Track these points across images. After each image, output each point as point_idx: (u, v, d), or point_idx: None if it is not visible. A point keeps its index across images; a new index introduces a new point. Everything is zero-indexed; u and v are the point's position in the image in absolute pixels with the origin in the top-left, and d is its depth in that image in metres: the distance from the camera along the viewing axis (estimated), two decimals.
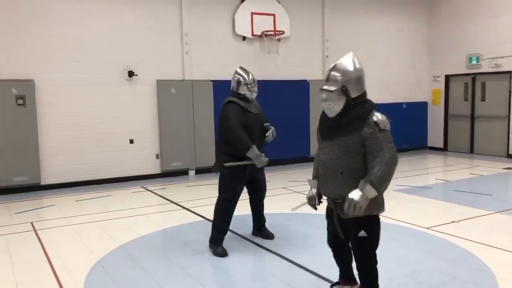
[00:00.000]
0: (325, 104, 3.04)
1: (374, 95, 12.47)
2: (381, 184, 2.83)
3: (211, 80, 9.78)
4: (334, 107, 3.01)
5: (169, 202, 7.37)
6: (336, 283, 3.60)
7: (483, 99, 12.06)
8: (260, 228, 5.38)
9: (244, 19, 10.24)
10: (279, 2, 10.66)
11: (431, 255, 4.67)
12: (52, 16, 8.46)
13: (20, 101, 8.15)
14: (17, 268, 4.57)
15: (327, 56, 11.48)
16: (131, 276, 4.29)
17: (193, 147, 9.79)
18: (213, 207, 5.02)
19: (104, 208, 7.07)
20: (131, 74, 9.14)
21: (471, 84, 12.26)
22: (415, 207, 6.70)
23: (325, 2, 11.39)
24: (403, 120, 12.36)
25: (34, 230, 5.92)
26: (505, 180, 9.09)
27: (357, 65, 3.07)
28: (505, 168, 9.88)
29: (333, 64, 3.10)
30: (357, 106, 2.98)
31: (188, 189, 8.43)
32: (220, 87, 9.31)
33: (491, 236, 5.23)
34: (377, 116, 2.94)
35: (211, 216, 5.17)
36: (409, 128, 12.48)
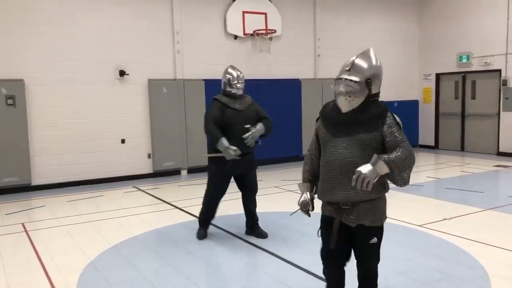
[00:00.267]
0: (345, 97, 2.71)
1: None
2: (396, 163, 2.64)
3: (203, 79, 9.74)
4: (353, 101, 2.72)
5: (162, 202, 7.34)
6: None
7: (473, 97, 12.16)
8: (252, 227, 5.38)
9: (236, 18, 10.22)
10: (270, 1, 10.66)
11: (424, 252, 4.69)
12: (42, 15, 8.38)
13: (10, 101, 8.07)
14: (8, 269, 4.52)
15: (318, 55, 11.50)
16: (124, 277, 4.26)
17: (185, 146, 9.76)
18: None
19: (96, 208, 7.03)
20: (122, 73, 9.08)
21: (461, 83, 12.35)
22: (407, 205, 6.73)
23: (317, 1, 11.41)
24: None
25: (25, 231, 5.86)
26: (495, 177, 9.17)
27: (379, 62, 2.86)
28: (496, 166, 9.97)
29: (355, 56, 2.80)
30: (374, 104, 2.77)
31: (181, 189, 8.40)
32: (212, 86, 9.28)
33: (483, 233, 5.27)
34: (394, 116, 2.82)
35: None
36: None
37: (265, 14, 10.39)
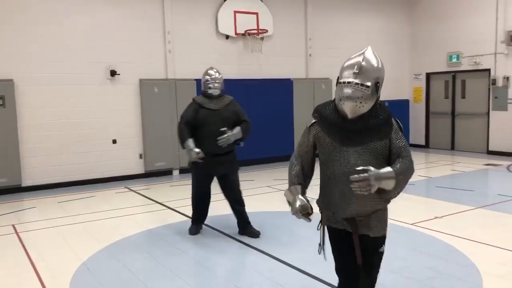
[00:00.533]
0: (354, 102, 2.43)
1: None
2: (399, 174, 2.45)
3: (195, 79, 9.71)
4: (363, 107, 2.45)
5: (154, 202, 7.31)
6: None
7: (463, 97, 12.26)
8: (244, 226, 5.38)
9: (227, 17, 10.21)
10: (262, 1, 10.66)
11: (416, 250, 4.72)
12: (31, 15, 8.30)
13: None
14: None
15: (310, 55, 11.53)
16: (117, 278, 4.24)
17: (177, 147, 9.69)
18: None
19: (87, 209, 6.98)
20: (113, 73, 9.03)
21: (451, 82, 12.45)
22: (399, 203, 6.70)
23: (308, 1, 11.43)
24: None
25: (16, 232, 5.80)
26: (485, 176, 9.25)
27: (382, 62, 2.61)
28: (485, 164, 10.06)
29: (360, 57, 2.51)
30: (381, 108, 2.56)
31: (172, 189, 8.38)
32: None
33: (474, 231, 5.32)
34: (397, 120, 2.65)
35: None
36: None
37: (256, 14, 10.39)
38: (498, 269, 4.20)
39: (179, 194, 7.82)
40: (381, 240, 2.67)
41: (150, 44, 9.49)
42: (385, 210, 2.68)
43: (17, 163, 8.19)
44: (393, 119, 2.61)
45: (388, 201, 2.65)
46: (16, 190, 8.21)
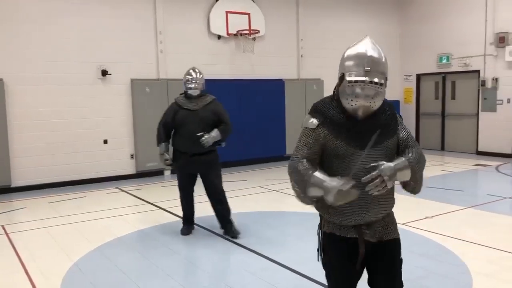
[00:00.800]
0: (369, 102, 2.22)
1: None
2: (416, 167, 2.29)
3: None
4: (376, 105, 2.26)
5: (145, 203, 7.29)
6: None
7: (453, 98, 12.37)
8: (224, 226, 5.40)
9: (219, 18, 10.21)
10: (253, 1, 10.67)
11: (407, 250, 4.71)
12: (22, 14, 8.24)
13: None
14: None
15: (301, 56, 11.56)
16: (109, 278, 4.23)
17: (169, 147, 9.68)
18: None
19: (78, 209, 6.94)
20: (104, 73, 8.99)
21: (441, 83, 12.56)
22: None
23: (299, 1, 11.47)
24: None
25: (6, 233, 5.76)
26: (475, 176, 9.35)
27: None
28: (475, 165, 10.17)
29: (363, 48, 2.34)
30: (384, 101, 2.37)
31: (164, 189, 8.36)
32: None
33: (464, 230, 5.37)
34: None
35: None
36: None
37: (248, 14, 10.40)
38: (487, 268, 4.25)
39: (170, 194, 7.79)
40: (399, 245, 2.47)
41: (142, 44, 9.46)
42: (393, 213, 2.50)
43: (6, 163, 8.13)
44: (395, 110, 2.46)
45: (416, 192, 2.45)
46: (5, 190, 8.14)
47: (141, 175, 9.52)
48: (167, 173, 9.75)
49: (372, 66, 2.25)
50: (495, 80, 11.21)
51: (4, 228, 5.98)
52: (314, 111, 2.37)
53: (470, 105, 11.89)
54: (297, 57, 11.58)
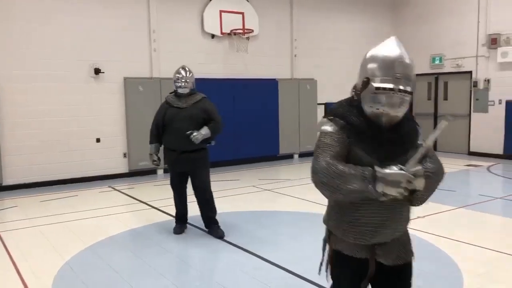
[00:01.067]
0: (396, 110, 2.04)
1: (341, 95, 12.58)
2: (431, 173, 2.09)
3: None
4: (401, 114, 2.08)
5: (138, 202, 7.27)
6: None
7: (445, 98, 12.45)
8: (209, 225, 5.40)
9: (213, 17, 10.20)
10: (247, 1, 10.67)
11: None
12: (15, 12, 8.18)
13: None
14: None
15: (295, 55, 11.58)
16: (101, 278, 4.21)
17: (159, 147, 9.66)
18: None
19: (70, 208, 6.90)
20: (97, 71, 8.95)
21: (434, 84, 12.63)
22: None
23: (293, 1, 11.48)
24: None
25: None
26: (467, 176, 9.41)
27: None
28: (467, 165, 10.24)
29: (393, 50, 2.12)
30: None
31: (157, 188, 8.33)
32: None
33: (455, 230, 5.41)
34: None
35: None
36: None
37: (242, 13, 10.40)
38: (478, 267, 4.28)
39: (163, 193, 7.77)
40: (412, 266, 2.32)
41: (135, 43, 9.42)
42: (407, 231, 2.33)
43: None
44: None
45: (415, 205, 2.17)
46: None
47: (134, 174, 9.48)
48: (160, 172, 9.72)
49: (403, 72, 2.03)
50: (487, 81, 11.30)
51: None
52: (333, 115, 2.13)
53: (462, 105, 11.97)
54: (291, 57, 11.59)
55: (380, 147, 2.05)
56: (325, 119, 2.15)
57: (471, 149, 11.74)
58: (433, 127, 12.68)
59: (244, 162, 10.64)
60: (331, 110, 2.17)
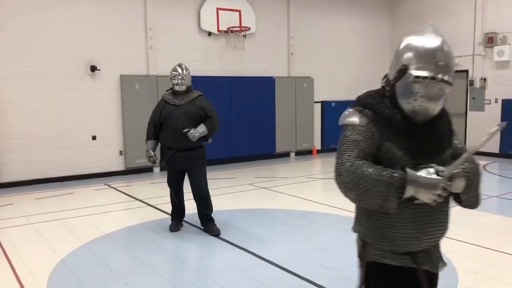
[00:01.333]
0: (435, 103, 1.84)
1: (338, 93, 12.65)
2: (471, 174, 1.92)
3: None
4: (439, 108, 1.89)
5: (134, 200, 7.26)
6: None
7: None
8: (204, 223, 5.40)
9: (210, 14, 10.18)
10: None
11: None
12: (9, 8, 8.14)
13: None
14: None
15: (292, 53, 11.57)
16: (97, 275, 4.20)
17: (156, 145, 9.65)
18: None
19: (66, 206, 6.89)
20: (93, 68, 8.92)
21: None
22: None
23: None
24: None
25: None
26: None
27: None
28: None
29: (433, 37, 1.87)
30: None
31: (153, 186, 8.33)
32: None
33: (451, 228, 5.39)
34: None
35: None
36: None
37: (239, 11, 10.38)
38: (473, 265, 4.30)
39: (159, 191, 7.76)
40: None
41: (132, 40, 9.40)
42: None
43: None
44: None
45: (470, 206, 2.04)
46: None
47: (130, 171, 9.47)
48: (156, 170, 9.71)
49: (445, 61, 1.81)
50: (483, 80, 11.32)
51: None
52: (362, 105, 1.92)
53: (458, 104, 11.99)
54: (288, 54, 11.59)
55: (415, 144, 1.84)
56: (351, 109, 1.92)
57: (468, 148, 11.75)
58: None
59: (240, 160, 10.64)
60: (359, 100, 1.95)
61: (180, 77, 5.23)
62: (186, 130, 5.07)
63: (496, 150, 11.11)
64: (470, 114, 11.69)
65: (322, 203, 6.76)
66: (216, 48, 10.45)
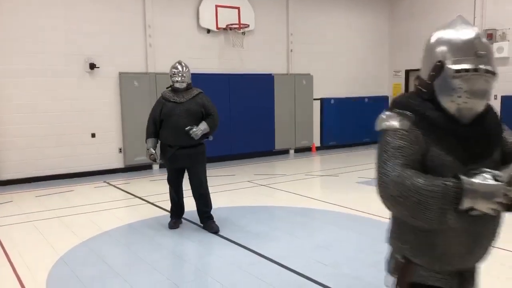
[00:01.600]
0: (481, 98, 1.67)
1: (338, 90, 12.65)
2: None
3: None
4: (485, 104, 1.70)
5: (133, 197, 7.26)
6: None
7: None
8: (203, 220, 5.41)
9: (209, 11, 10.16)
10: None
11: None
12: (7, 5, 8.12)
13: None
14: None
15: (291, 50, 11.56)
16: (96, 272, 4.21)
17: (156, 143, 9.64)
18: None
19: (65, 203, 6.89)
20: (92, 66, 8.91)
21: None
22: (377, 198, 6.82)
23: None
24: (365, 114, 12.66)
25: None
26: None
27: None
28: None
29: (472, 30, 1.68)
30: None
31: (152, 184, 8.33)
32: None
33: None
34: None
35: None
36: (371, 122, 12.72)
37: (238, 8, 10.36)
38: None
39: (159, 188, 7.77)
40: None
41: (131, 38, 9.38)
42: None
43: None
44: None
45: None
46: None
47: (130, 169, 9.47)
48: (156, 167, 9.71)
49: (486, 50, 1.64)
50: None
51: None
52: (402, 108, 1.73)
53: None
54: (287, 52, 11.57)
55: (463, 147, 1.65)
56: (389, 112, 1.74)
57: None
58: None
59: (239, 157, 10.64)
60: (399, 103, 1.76)
61: (180, 74, 5.22)
62: (189, 128, 5.06)
63: None
64: None
65: (321, 200, 6.76)
66: (215, 46, 10.44)
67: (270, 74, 11.22)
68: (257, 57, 11.02)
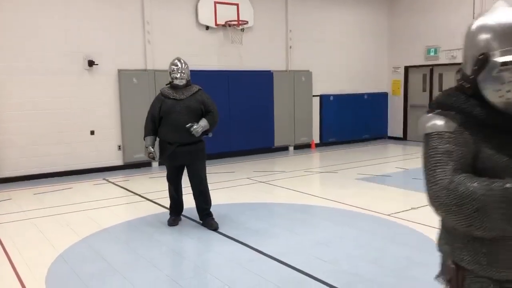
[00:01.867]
0: None
1: (337, 86, 12.64)
2: None
3: None
4: None
5: (133, 194, 7.26)
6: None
7: (440, 90, 12.44)
8: (203, 217, 5.41)
9: (207, 8, 10.13)
10: None
11: (392, 241, 4.81)
12: (5, 2, 8.09)
13: None
14: None
15: (290, 47, 11.54)
16: (95, 270, 4.21)
17: (155, 140, 9.63)
18: None
19: (64, 200, 6.89)
20: (91, 63, 8.89)
21: (429, 75, 12.64)
22: (376, 194, 6.87)
23: None
24: (364, 110, 12.69)
25: None
26: None
27: None
28: None
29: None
30: None
31: (152, 181, 8.33)
32: None
33: None
34: None
35: None
36: (370, 118, 12.79)
37: (237, 5, 10.34)
38: None
39: (158, 186, 7.76)
40: None
41: (129, 35, 9.36)
42: None
43: None
44: None
45: None
46: None
47: (129, 166, 9.46)
48: (155, 164, 9.70)
49: None
50: None
51: None
52: (444, 107, 1.60)
53: None
54: (286, 48, 11.55)
55: None
56: (431, 114, 1.60)
57: None
58: None
59: (239, 154, 10.63)
60: (442, 102, 1.62)
61: (180, 71, 5.21)
62: (189, 125, 5.05)
63: None
64: None
65: (320, 197, 6.77)
66: (214, 42, 10.42)
67: (269, 71, 11.21)
68: (256, 54, 11.00)
